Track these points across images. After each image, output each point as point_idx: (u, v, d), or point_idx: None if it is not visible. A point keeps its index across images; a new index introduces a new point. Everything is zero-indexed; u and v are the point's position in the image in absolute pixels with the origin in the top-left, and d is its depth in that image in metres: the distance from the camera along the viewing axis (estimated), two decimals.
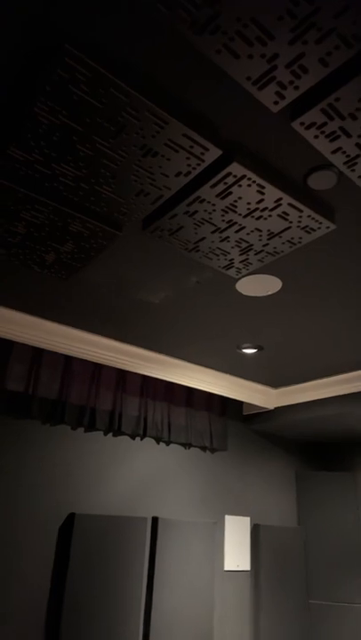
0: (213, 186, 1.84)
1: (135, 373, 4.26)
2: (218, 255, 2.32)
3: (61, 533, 3.56)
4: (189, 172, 1.79)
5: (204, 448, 4.67)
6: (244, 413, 5.12)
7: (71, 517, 3.60)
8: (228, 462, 4.83)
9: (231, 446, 4.92)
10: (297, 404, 4.70)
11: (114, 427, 4.03)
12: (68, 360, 3.93)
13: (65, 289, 2.90)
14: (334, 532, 5.01)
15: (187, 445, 4.56)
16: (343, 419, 4.59)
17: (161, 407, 4.39)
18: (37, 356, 3.77)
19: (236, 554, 4.53)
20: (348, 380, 4.29)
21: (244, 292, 2.81)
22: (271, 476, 5.18)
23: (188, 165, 1.75)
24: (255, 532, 4.74)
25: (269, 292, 2.79)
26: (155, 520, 4.02)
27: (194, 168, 1.76)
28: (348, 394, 4.33)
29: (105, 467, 3.97)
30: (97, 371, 4.07)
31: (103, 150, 1.70)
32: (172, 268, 2.59)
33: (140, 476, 4.16)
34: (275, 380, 4.57)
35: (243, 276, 2.60)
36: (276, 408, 4.86)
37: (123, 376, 4.22)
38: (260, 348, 3.69)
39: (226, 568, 4.41)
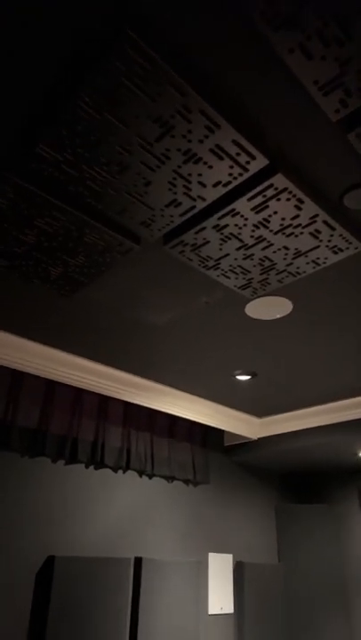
0: (251, 198, 1.76)
1: (117, 401, 4.04)
2: (237, 274, 2.22)
3: (39, 579, 3.20)
4: (229, 183, 1.70)
5: (186, 481, 4.45)
6: (226, 444, 4.96)
7: (50, 561, 3.26)
8: (210, 496, 4.62)
9: (212, 479, 4.72)
10: (281, 434, 4.61)
11: (96, 458, 3.76)
12: (50, 385, 3.66)
13: (61, 307, 2.70)
14: (315, 568, 4.86)
15: (170, 479, 4.33)
16: (326, 449, 4.53)
17: (144, 438, 4.16)
18: (17, 379, 3.48)
19: (220, 595, 4.28)
20: (333, 409, 4.25)
21: (253, 315, 2.72)
22: (252, 510, 5.00)
23: (230, 175, 1.66)
24: (238, 570, 4.52)
25: (278, 316, 2.72)
26: (138, 560, 3.73)
27: (235, 178, 1.67)
28: (334, 424, 4.29)
29: (86, 503, 3.67)
30: (79, 397, 3.82)
31: (143, 153, 1.58)
32: (183, 288, 2.47)
33: (123, 512, 3.88)
34: (260, 410, 4.46)
35: (257, 297, 2.51)
36: (259, 438, 4.73)
37: (105, 403, 3.98)
38: (253, 374, 3.59)
39: (210, 612, 4.14)
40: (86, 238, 2.01)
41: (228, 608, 4.30)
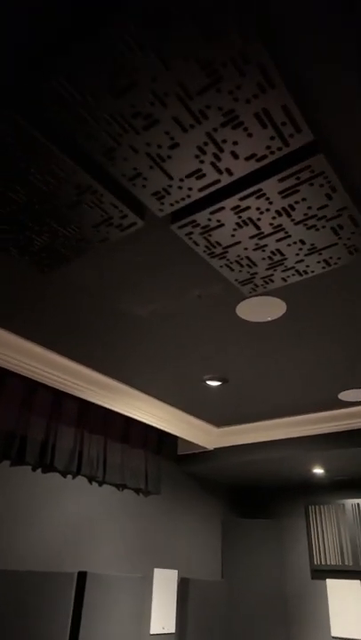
0: (283, 179, 1.59)
1: (72, 398, 3.71)
2: (243, 266, 2.05)
3: None
4: (265, 157, 1.52)
5: (137, 490, 4.18)
6: (179, 453, 4.75)
7: None
8: (159, 507, 4.37)
9: (163, 489, 4.49)
10: (237, 445, 4.47)
11: (45, 461, 3.41)
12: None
13: (29, 283, 2.40)
14: (258, 584, 4.75)
15: (121, 487, 4.04)
16: (281, 463, 4.45)
17: (98, 441, 3.86)
18: None
19: (163, 614, 4.02)
20: (294, 423, 4.18)
21: (243, 316, 2.55)
22: (199, 523, 4.81)
23: (268, 148, 1.49)
24: (182, 586, 4.29)
25: (268, 319, 2.57)
26: (82, 575, 3.40)
27: (272, 152, 1.50)
28: (292, 438, 4.21)
29: (31, 510, 3.30)
30: (30, 390, 3.46)
31: (179, 107, 1.37)
32: (179, 276, 2.26)
33: (68, 521, 3.54)
34: (221, 419, 4.30)
35: (254, 296, 2.35)
36: (215, 449, 4.57)
37: (59, 400, 3.64)
38: (225, 381, 3.43)
39: (152, 632, 3.88)
40: (85, 205, 1.75)
41: (170, 627, 4.05)
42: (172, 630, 4.07)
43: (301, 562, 4.91)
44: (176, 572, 4.30)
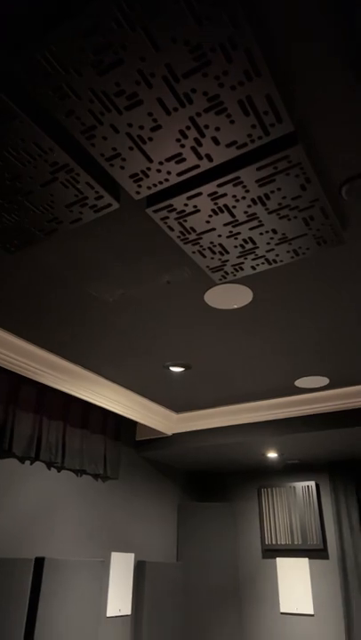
0: (261, 168, 1.62)
1: (31, 383, 3.64)
2: (215, 253, 2.07)
3: None
4: (245, 145, 1.54)
5: (96, 476, 4.18)
6: (137, 439, 4.78)
7: None
8: (117, 492, 4.39)
9: (121, 474, 4.51)
10: (196, 431, 4.55)
11: (3, 446, 3.33)
12: None
13: None
14: (213, 566, 4.89)
15: (79, 472, 4.02)
16: (237, 448, 4.58)
17: (57, 426, 3.81)
18: None
19: (119, 596, 4.07)
20: (251, 409, 4.30)
21: (211, 303, 2.59)
22: (156, 508, 4.87)
23: (249, 136, 1.51)
24: (139, 569, 4.35)
25: (235, 306, 2.62)
26: (39, 561, 3.37)
27: (252, 141, 1.53)
28: (248, 423, 4.34)
29: None
30: None
31: (164, 89, 1.36)
32: (151, 261, 2.25)
33: (27, 507, 3.49)
34: (180, 404, 4.36)
35: (223, 283, 2.39)
36: (174, 434, 4.63)
37: (17, 385, 3.56)
38: (187, 367, 3.47)
39: (108, 614, 3.91)
40: (60, 183, 1.71)
41: (126, 609, 4.11)
42: (128, 612, 4.12)
43: (254, 542, 5.10)
44: (133, 555, 4.34)
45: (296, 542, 4.76)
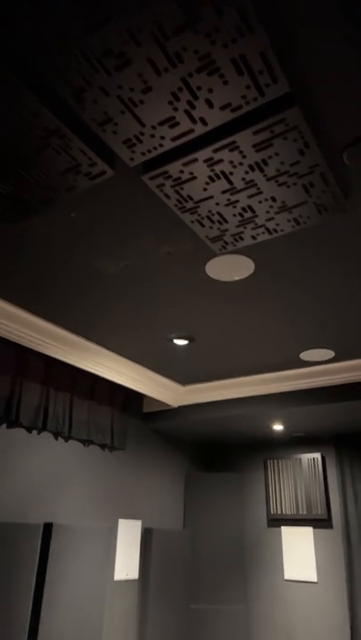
0: (258, 132, 1.57)
1: (38, 355, 3.68)
2: (214, 222, 2.04)
3: None
4: (240, 107, 1.49)
5: (103, 446, 4.25)
6: (145, 411, 4.84)
7: None
8: (124, 462, 4.48)
9: (129, 445, 4.58)
10: (202, 403, 4.59)
11: (10, 416, 3.40)
12: None
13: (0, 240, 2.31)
14: (219, 534, 5.00)
15: (86, 442, 4.09)
16: (243, 421, 4.61)
17: (64, 398, 3.87)
18: None
19: (127, 561, 4.20)
20: (256, 382, 4.31)
21: (213, 275, 2.56)
22: (163, 477, 4.97)
23: (243, 98, 1.45)
24: (146, 536, 4.47)
25: (236, 278, 2.59)
26: (48, 526, 3.48)
27: (247, 102, 1.47)
28: (254, 396, 4.35)
29: None
30: None
31: (154, 47, 1.31)
32: (149, 231, 2.23)
33: (34, 475, 3.58)
34: (186, 377, 4.38)
35: (223, 254, 2.35)
36: (180, 406, 4.67)
37: (24, 357, 3.60)
38: (191, 339, 3.47)
39: (116, 578, 4.05)
40: (52, 150, 1.68)
41: (134, 574, 4.24)
42: (136, 577, 4.25)
43: (259, 512, 5.18)
44: (140, 522, 4.46)
45: (301, 512, 4.83)
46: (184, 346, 3.60)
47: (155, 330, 3.36)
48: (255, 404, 4.31)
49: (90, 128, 1.64)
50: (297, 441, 5.24)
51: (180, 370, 4.19)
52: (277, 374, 4.17)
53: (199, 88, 1.43)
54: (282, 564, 4.87)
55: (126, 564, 4.18)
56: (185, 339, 3.44)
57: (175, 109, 1.50)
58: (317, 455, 4.94)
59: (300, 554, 4.78)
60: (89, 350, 3.71)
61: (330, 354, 3.61)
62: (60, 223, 2.20)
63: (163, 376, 4.36)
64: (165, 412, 4.73)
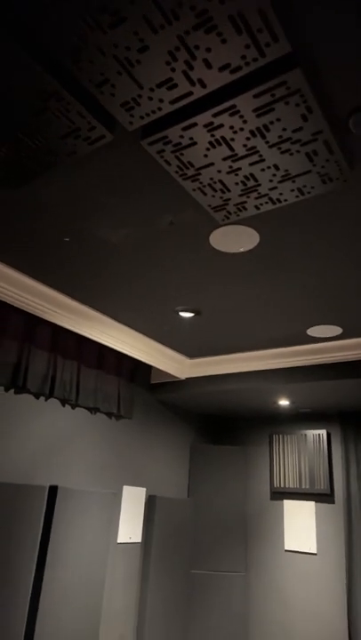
0: (258, 95, 1.53)
1: (46, 324, 3.73)
2: (216, 191, 2.00)
3: None
4: (239, 68, 1.44)
5: (109, 414, 4.33)
6: (152, 382, 4.89)
7: None
8: (131, 431, 4.56)
9: (135, 414, 4.66)
10: (208, 376, 4.61)
11: (18, 382, 3.48)
12: None
13: (2, 207, 2.32)
14: (222, 504, 5.10)
15: (93, 410, 4.18)
16: (249, 395, 4.63)
17: (71, 366, 3.93)
18: None
19: (130, 526, 4.32)
20: (263, 357, 4.30)
21: (217, 246, 2.54)
22: (169, 447, 5.06)
23: (243, 58, 1.41)
24: (150, 503, 4.58)
25: (242, 249, 2.56)
26: (53, 489, 3.59)
27: (247, 63, 1.42)
28: (261, 370, 4.35)
29: (3, 428, 3.41)
30: (2, 313, 3.45)
31: (148, 3, 1.27)
32: (150, 199, 2.20)
33: (41, 440, 3.68)
34: (192, 350, 4.40)
35: (226, 224, 2.32)
36: (187, 378, 4.71)
37: (32, 325, 3.66)
38: (198, 312, 3.47)
39: (119, 540, 4.18)
40: (51, 113, 1.66)
41: (137, 537, 4.37)
42: (138, 540, 4.39)
43: (263, 485, 5.26)
44: (144, 489, 4.57)
45: (304, 487, 4.88)
46: (190, 318, 3.61)
47: (161, 301, 3.36)
48: (261, 378, 4.32)
49: (88, 91, 1.61)
50: (303, 417, 5.26)
51: (187, 342, 4.20)
52: (284, 350, 4.15)
53: (197, 47, 1.38)
54: (283, 536, 4.97)
55: (130, 529, 4.31)
56: (191, 311, 3.44)
57: (173, 70, 1.46)
58: (323, 432, 4.96)
59: (301, 526, 4.86)
60: (95, 320, 3.74)
61: (337, 330, 3.58)
62: (59, 189, 2.19)
63: (169, 348, 4.39)
64: (172, 384, 4.78)
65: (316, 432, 4.99)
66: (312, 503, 4.85)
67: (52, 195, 2.23)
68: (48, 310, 3.42)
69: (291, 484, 4.98)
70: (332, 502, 4.76)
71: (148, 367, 4.87)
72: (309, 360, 4.00)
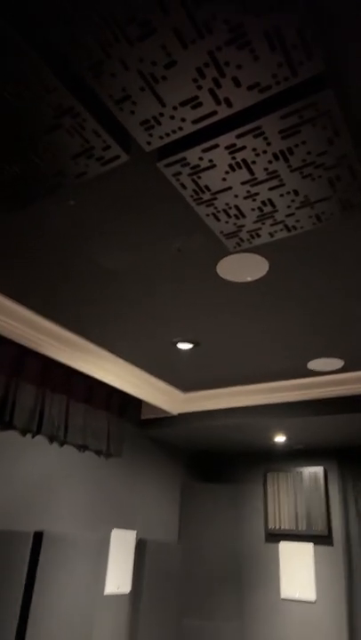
0: (286, 116, 1.47)
1: (36, 355, 3.54)
2: (230, 217, 1.92)
3: None
4: (268, 88, 1.38)
5: (99, 452, 4.10)
6: (143, 417, 4.69)
7: None
8: (120, 470, 4.32)
9: (125, 452, 4.43)
10: (202, 411, 4.45)
11: (4, 418, 3.26)
12: None
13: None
14: (214, 547, 4.83)
15: (82, 448, 3.94)
16: (244, 430, 4.48)
17: (60, 401, 3.73)
18: None
19: (119, 574, 4.03)
20: (260, 391, 4.18)
21: (224, 274, 2.45)
22: (159, 487, 4.81)
23: (274, 77, 1.35)
24: (139, 547, 4.30)
25: (249, 279, 2.48)
26: (38, 535, 3.32)
27: (278, 82, 1.37)
28: (257, 405, 4.22)
29: None
30: None
31: (180, 16, 1.20)
32: (160, 225, 2.11)
33: (27, 481, 3.43)
34: (187, 383, 4.25)
35: (236, 252, 2.24)
36: (179, 414, 4.53)
37: (21, 356, 3.46)
38: (196, 344, 3.35)
39: (107, 592, 3.87)
40: (64, 131, 1.57)
41: (126, 587, 4.07)
42: (127, 590, 4.08)
43: (257, 526, 5.02)
44: (135, 532, 4.29)
45: (301, 528, 4.67)
46: (188, 350, 3.48)
47: (158, 332, 3.23)
48: (258, 413, 4.18)
49: (105, 107, 1.53)
50: (298, 453, 5.10)
51: (182, 375, 4.06)
52: (282, 383, 4.04)
53: (227, 64, 1.32)
54: (279, 582, 4.70)
55: (118, 577, 4.01)
56: (190, 342, 3.32)
57: (199, 87, 1.39)
58: (319, 469, 4.80)
59: (298, 571, 4.61)
60: (87, 351, 3.58)
61: (339, 363, 3.49)
62: (62, 212, 2.08)
63: (163, 381, 4.23)
64: (164, 420, 4.59)
65: (313, 469, 4.83)
66: (310, 545, 4.63)
67: (53, 218, 2.12)
68: (38, 340, 3.25)
69: (287, 524, 4.77)
70: (331, 544, 4.56)
71: (139, 402, 4.68)
72: (308, 394, 3.89)
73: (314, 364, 3.55)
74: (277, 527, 4.81)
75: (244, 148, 1.59)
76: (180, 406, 4.51)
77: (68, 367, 3.76)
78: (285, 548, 4.74)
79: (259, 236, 2.04)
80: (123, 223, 2.12)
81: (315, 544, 4.63)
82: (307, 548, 4.63)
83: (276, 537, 4.86)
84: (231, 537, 4.89)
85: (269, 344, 3.27)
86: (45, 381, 3.61)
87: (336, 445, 4.74)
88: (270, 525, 4.86)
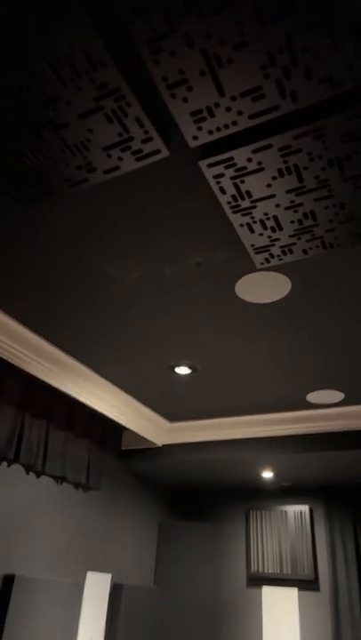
0: (353, 118, 1.35)
1: (15, 374, 3.24)
2: (266, 228, 1.78)
3: None
4: (341, 83, 1.25)
5: (77, 485, 3.76)
6: (123, 448, 4.39)
7: None
8: (97, 505, 3.98)
9: (103, 485, 4.10)
10: (188, 443, 4.20)
11: None
12: None
13: None
14: (192, 592, 4.49)
15: (60, 479, 3.60)
16: (231, 465, 4.25)
17: (39, 426, 3.41)
18: None
19: (92, 623, 3.63)
20: (251, 423, 3.99)
21: (242, 294, 2.29)
22: (136, 525, 4.47)
23: (350, 70, 1.23)
24: (114, 592, 3.92)
25: (267, 300, 2.33)
26: (9, 579, 2.94)
27: (354, 77, 1.25)
28: (246, 438, 4.02)
29: None
30: None
31: None
32: (182, 234, 1.94)
33: None
34: (175, 412, 4.01)
35: (262, 269, 2.10)
36: (164, 445, 4.26)
37: (2, 375, 3.16)
38: (194, 369, 3.15)
39: None
40: (102, 115, 1.39)
41: (99, 638, 3.67)
42: None
43: (238, 569, 4.73)
44: (110, 576, 3.92)
45: (285, 572, 4.42)
46: (184, 376, 3.27)
47: (155, 354, 3.02)
48: (247, 447, 3.97)
49: (155, 92, 1.37)
50: (283, 491, 4.89)
51: (172, 403, 3.82)
52: (277, 415, 3.87)
53: (304, 50, 1.19)
54: (261, 630, 4.39)
55: (91, 627, 3.62)
56: (187, 367, 3.12)
57: (266, 76, 1.26)
58: (305, 508, 4.59)
59: (282, 618, 4.33)
60: (72, 370, 3.30)
61: (339, 396, 3.36)
62: (68, 215, 1.89)
63: (149, 408, 3.97)
64: (147, 451, 4.30)
65: (298, 508, 4.62)
66: (295, 591, 4.37)
67: (54, 220, 1.92)
68: (20, 354, 2.96)
69: (270, 568, 4.50)
70: (317, 590, 4.32)
71: (120, 431, 4.39)
72: (303, 428, 3.73)
73: (313, 396, 3.41)
74: (260, 571, 4.54)
75: (299, 151, 1.46)
76: (165, 436, 4.24)
77: (51, 389, 3.47)
78: (268, 593, 4.46)
79: (291, 252, 1.90)
80: (140, 229, 1.94)
81: (300, 589, 4.37)
82: (291, 594, 4.36)
83: (258, 581, 4.57)
84: (211, 580, 4.57)
85: (271, 371, 3.11)
86: (26, 404, 3.30)
87: (322, 482, 4.57)
88: (253, 569, 4.58)
